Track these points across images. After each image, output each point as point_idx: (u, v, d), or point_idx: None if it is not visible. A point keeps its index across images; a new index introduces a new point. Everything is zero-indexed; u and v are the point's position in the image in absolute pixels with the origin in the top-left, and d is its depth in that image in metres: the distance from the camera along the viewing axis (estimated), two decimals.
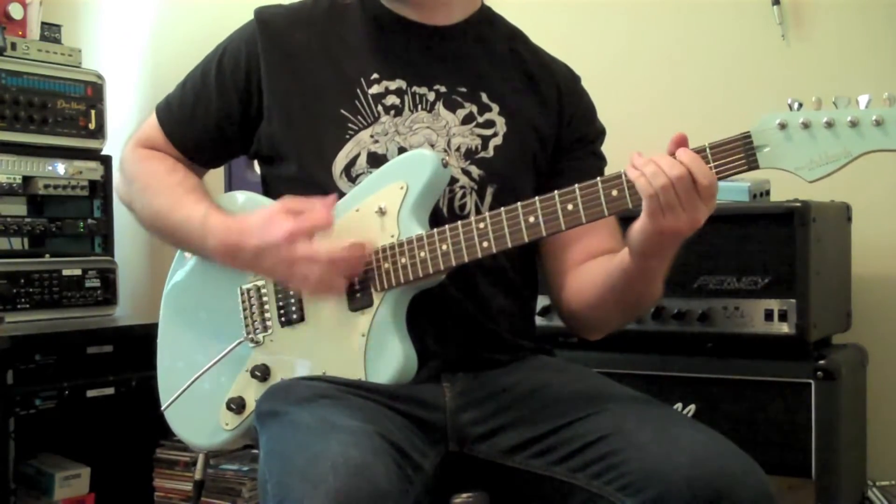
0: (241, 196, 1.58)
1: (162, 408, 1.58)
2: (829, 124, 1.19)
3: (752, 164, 1.23)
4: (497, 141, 1.50)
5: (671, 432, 1.25)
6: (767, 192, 2.08)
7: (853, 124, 1.18)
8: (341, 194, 1.45)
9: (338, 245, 1.35)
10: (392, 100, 1.48)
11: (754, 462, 1.23)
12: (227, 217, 1.45)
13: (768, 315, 1.97)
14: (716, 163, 1.23)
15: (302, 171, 1.48)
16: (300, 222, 1.35)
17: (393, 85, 1.49)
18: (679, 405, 2.02)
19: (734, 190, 2.03)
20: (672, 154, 1.23)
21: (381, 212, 1.40)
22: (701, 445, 1.23)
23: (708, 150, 1.24)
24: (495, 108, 1.52)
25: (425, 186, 1.39)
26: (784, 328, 1.95)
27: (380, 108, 1.48)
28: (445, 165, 1.41)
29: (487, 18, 1.59)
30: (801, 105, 1.22)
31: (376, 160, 1.45)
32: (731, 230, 2.01)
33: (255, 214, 1.41)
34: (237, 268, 1.46)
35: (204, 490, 2.42)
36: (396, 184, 1.40)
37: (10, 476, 2.68)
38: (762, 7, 2.44)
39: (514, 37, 1.61)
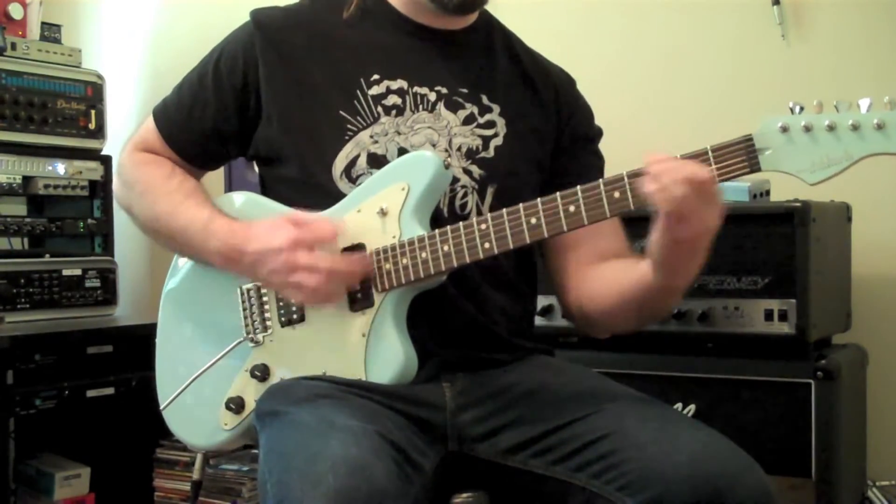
0: (239, 197, 1.58)
1: (161, 407, 1.58)
2: (831, 127, 1.19)
3: (754, 167, 1.23)
4: (497, 141, 1.51)
5: (671, 432, 1.26)
6: (767, 192, 2.08)
7: (854, 128, 1.18)
8: (342, 195, 1.45)
9: (339, 257, 1.35)
10: (393, 99, 1.48)
11: (754, 462, 1.23)
12: (231, 221, 1.46)
13: (768, 315, 1.97)
14: (718, 165, 1.23)
15: (302, 173, 1.48)
16: (304, 232, 1.36)
17: (394, 84, 1.49)
18: (679, 405, 2.02)
19: (734, 190, 2.03)
20: None
21: (383, 213, 1.40)
22: (701, 445, 1.23)
23: (710, 152, 1.24)
24: (496, 108, 1.52)
25: (427, 188, 1.39)
26: (784, 328, 1.95)
27: (380, 108, 1.48)
28: (447, 167, 1.41)
29: (487, 22, 1.60)
30: (802, 108, 1.22)
31: (376, 161, 1.45)
32: (731, 230, 1.98)
33: (260, 221, 1.42)
34: (236, 272, 1.46)
35: (204, 490, 2.42)
36: (398, 185, 1.40)
37: (10, 476, 2.69)
38: (762, 7, 2.44)
39: (511, 39, 1.61)
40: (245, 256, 1.41)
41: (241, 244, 1.41)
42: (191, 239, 1.49)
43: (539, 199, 1.31)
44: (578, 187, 1.29)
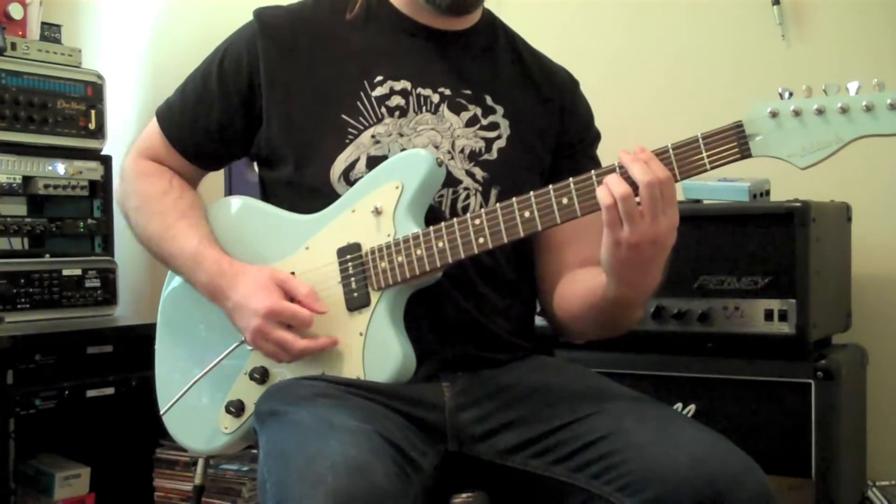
0: (236, 202, 1.57)
1: (161, 413, 1.57)
2: (820, 111, 1.20)
3: (745, 153, 1.23)
4: (501, 143, 1.50)
5: (671, 432, 1.25)
6: (767, 192, 2.08)
7: (843, 110, 1.18)
8: (338, 198, 1.45)
9: (309, 340, 1.37)
10: (397, 100, 1.48)
11: (754, 462, 1.23)
12: (221, 257, 1.46)
13: (768, 315, 1.97)
14: (709, 152, 1.23)
15: (298, 175, 1.48)
16: (284, 307, 1.38)
17: (398, 85, 1.49)
18: (679, 405, 2.02)
19: (734, 190, 2.02)
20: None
21: (377, 212, 1.40)
22: (700, 445, 1.23)
23: (700, 139, 1.24)
24: (499, 110, 1.52)
25: (420, 185, 1.39)
26: (784, 328, 1.95)
27: (383, 109, 1.47)
28: (440, 164, 1.41)
29: (490, 22, 1.59)
30: (791, 93, 1.22)
31: (376, 164, 1.44)
32: (731, 230, 2.01)
33: (251, 271, 1.43)
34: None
35: (204, 490, 2.42)
36: (392, 183, 1.40)
37: (10, 476, 2.68)
38: (762, 7, 2.44)
39: (515, 40, 1.61)
40: (226, 301, 1.44)
41: (225, 288, 1.43)
42: (179, 267, 1.52)
43: (532, 193, 1.31)
44: (570, 179, 1.29)
